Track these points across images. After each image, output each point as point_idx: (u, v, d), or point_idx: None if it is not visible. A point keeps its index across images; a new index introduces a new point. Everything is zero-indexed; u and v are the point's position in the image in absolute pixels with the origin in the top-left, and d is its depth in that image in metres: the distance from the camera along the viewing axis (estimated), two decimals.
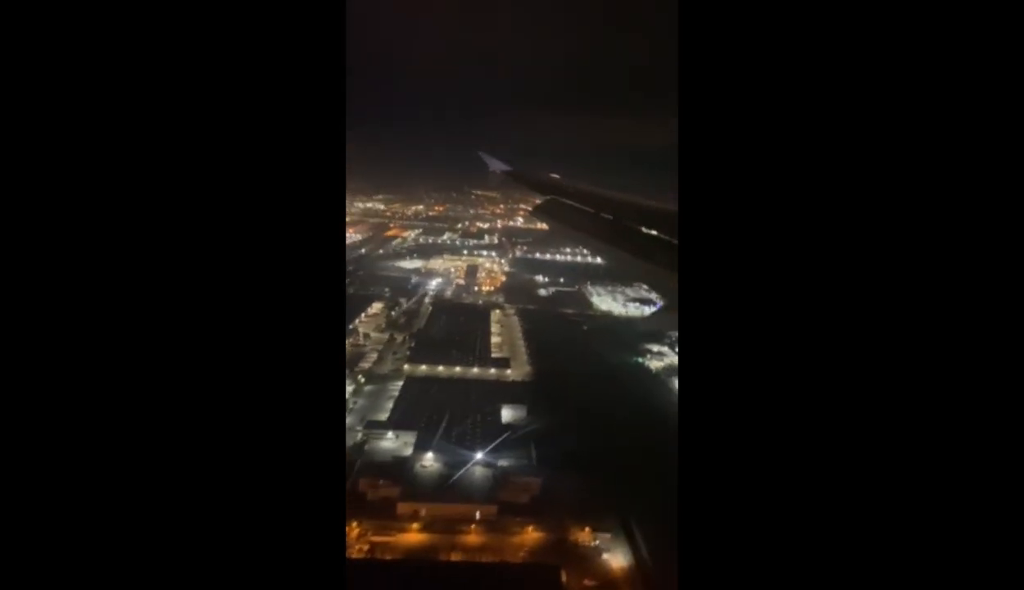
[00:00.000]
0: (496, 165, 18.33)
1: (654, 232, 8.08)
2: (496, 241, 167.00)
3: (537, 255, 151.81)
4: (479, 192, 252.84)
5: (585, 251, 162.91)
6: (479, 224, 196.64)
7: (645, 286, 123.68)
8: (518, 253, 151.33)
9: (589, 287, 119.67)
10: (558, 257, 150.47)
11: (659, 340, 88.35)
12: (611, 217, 9.72)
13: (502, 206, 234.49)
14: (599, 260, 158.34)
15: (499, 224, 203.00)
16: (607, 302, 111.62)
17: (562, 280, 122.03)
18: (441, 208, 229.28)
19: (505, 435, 48.11)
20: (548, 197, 13.17)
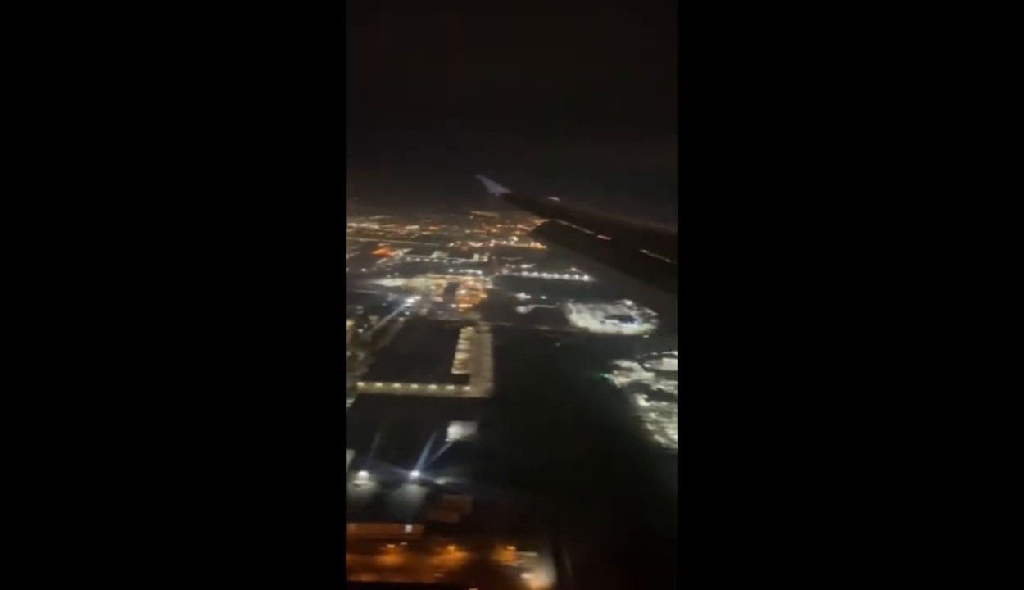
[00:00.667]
0: (495, 188, 18.42)
1: (654, 254, 8.15)
2: (485, 260, 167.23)
3: (523, 274, 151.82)
4: (477, 213, 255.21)
5: (573, 269, 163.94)
6: (471, 243, 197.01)
7: (628, 302, 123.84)
8: (505, 271, 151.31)
9: (570, 305, 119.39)
10: (545, 275, 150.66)
11: (630, 356, 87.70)
12: (609, 239, 9.85)
13: (499, 226, 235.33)
14: (586, 278, 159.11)
15: (492, 244, 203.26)
16: (585, 319, 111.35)
17: (544, 297, 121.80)
18: (436, 228, 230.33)
19: (442, 451, 47.44)
20: (547, 220, 13.08)
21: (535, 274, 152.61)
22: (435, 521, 39.18)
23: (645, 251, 8.41)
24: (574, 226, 11.87)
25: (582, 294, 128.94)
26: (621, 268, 8.75)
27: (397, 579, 33.60)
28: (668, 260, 7.65)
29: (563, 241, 11.76)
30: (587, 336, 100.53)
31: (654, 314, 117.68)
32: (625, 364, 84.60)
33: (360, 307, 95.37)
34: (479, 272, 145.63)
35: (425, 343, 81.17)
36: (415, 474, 44.39)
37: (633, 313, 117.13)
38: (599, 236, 10.41)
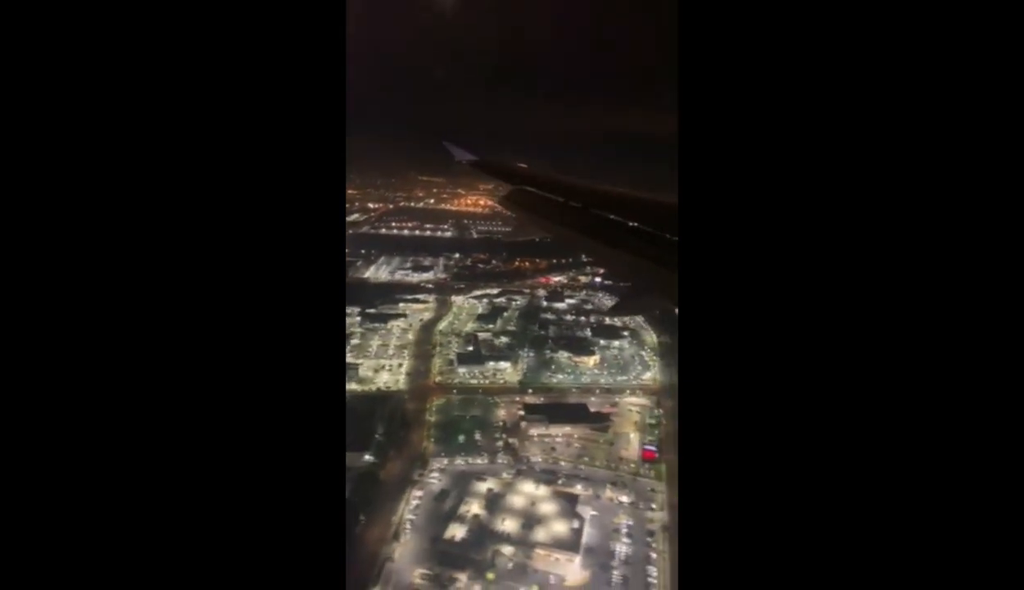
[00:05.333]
0: (461, 155, 18.80)
1: (623, 220, 8.39)
2: (361, 218, 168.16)
3: (382, 231, 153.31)
4: (424, 178, 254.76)
5: (444, 227, 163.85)
6: (370, 205, 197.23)
7: (456, 256, 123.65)
8: (365, 229, 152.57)
9: (383, 257, 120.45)
10: (406, 232, 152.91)
11: (372, 304, 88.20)
12: (579, 205, 9.92)
13: (434, 190, 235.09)
14: (448, 234, 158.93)
15: (396, 205, 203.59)
16: (379, 270, 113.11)
17: (362, 252, 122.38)
18: (353, 192, 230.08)
19: None
20: (516, 187, 13.19)
21: (395, 231, 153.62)
22: None
23: (614, 217, 8.70)
24: (543, 193, 11.86)
25: (414, 248, 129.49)
26: (589, 234, 8.97)
27: None
28: (635, 224, 7.96)
29: (532, 209, 11.71)
30: (354, 284, 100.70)
31: (455, 265, 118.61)
32: (351, 310, 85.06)
33: None
34: None
35: None
36: None
37: (440, 264, 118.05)
38: (569, 203, 10.45)
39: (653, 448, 50.74)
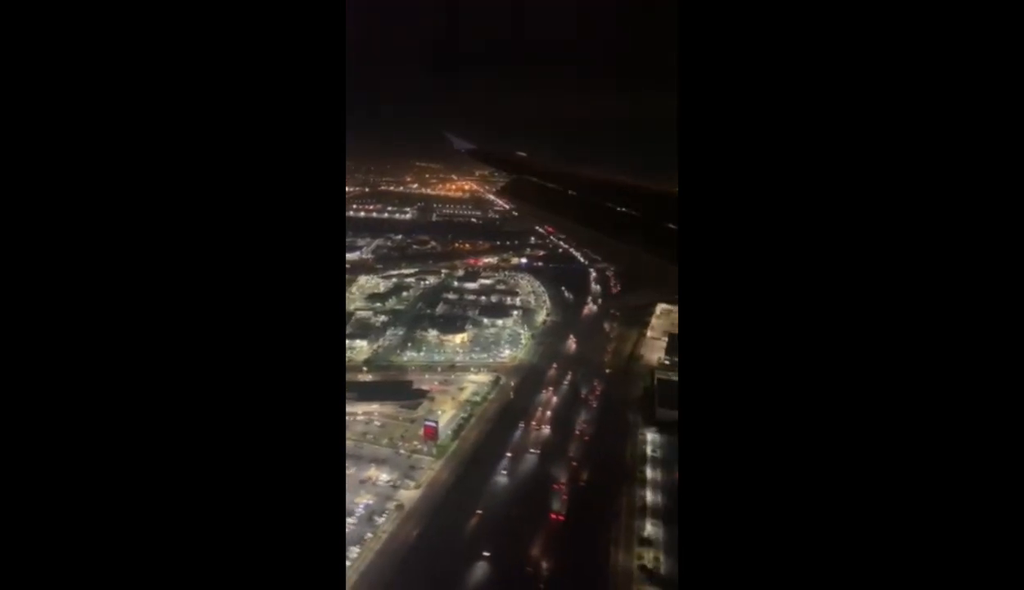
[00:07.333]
0: (460, 144, 18.60)
1: (621, 208, 8.64)
2: None
3: (350, 214, 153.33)
4: (421, 164, 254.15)
5: (407, 209, 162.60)
6: (348, 188, 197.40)
7: (398, 236, 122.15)
8: None
9: None
10: (362, 214, 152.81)
11: None
12: (576, 194, 10.26)
13: (427, 176, 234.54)
14: (408, 216, 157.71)
15: (376, 189, 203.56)
16: None
17: None
18: None
19: None
20: (514, 176, 13.62)
21: (352, 213, 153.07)
22: None
23: (610, 205, 8.97)
24: (541, 182, 12.07)
25: (356, 229, 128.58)
26: (586, 223, 9.21)
27: None
28: (631, 212, 8.19)
29: (530, 198, 12.03)
30: None
31: (388, 246, 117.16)
32: None
33: None
34: None
35: None
36: None
37: (372, 245, 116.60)
38: (568, 191, 10.76)
39: (433, 424, 47.98)
